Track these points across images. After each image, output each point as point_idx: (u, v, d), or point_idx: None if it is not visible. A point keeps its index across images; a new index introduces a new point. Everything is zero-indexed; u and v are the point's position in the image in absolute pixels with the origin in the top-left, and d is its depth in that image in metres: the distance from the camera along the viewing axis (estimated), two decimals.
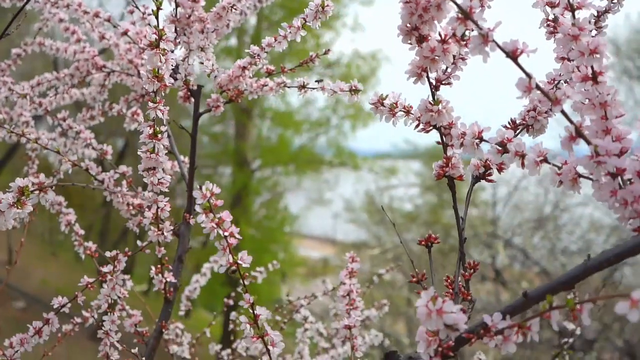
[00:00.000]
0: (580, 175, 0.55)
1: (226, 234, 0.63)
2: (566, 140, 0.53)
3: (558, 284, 0.51)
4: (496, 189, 6.84)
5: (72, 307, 0.98)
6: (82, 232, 1.11)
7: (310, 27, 0.87)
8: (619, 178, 0.52)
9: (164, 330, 1.00)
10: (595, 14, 0.75)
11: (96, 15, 1.11)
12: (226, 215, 0.63)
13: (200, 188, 0.62)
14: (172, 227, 0.92)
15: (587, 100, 0.56)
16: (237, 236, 0.64)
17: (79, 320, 1.11)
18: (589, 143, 0.52)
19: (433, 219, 9.33)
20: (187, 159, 1.11)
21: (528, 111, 0.69)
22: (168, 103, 1.15)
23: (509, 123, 0.70)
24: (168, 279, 0.98)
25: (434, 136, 0.67)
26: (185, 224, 1.01)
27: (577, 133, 0.52)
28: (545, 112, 0.68)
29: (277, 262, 1.46)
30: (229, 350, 1.36)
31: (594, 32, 0.74)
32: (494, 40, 0.50)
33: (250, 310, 0.65)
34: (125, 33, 1.05)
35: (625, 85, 9.11)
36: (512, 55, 0.51)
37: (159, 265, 0.97)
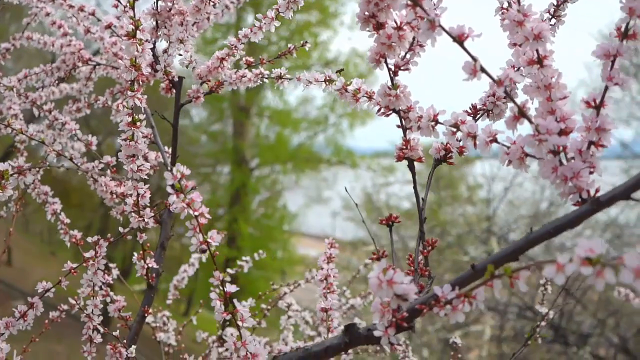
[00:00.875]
0: (527, 154, 0.58)
1: (196, 213, 0.66)
2: (510, 120, 0.56)
3: (502, 255, 0.54)
4: (492, 186, 6.87)
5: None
6: (67, 220, 1.14)
7: (284, 18, 0.90)
8: (561, 155, 0.55)
9: (146, 314, 1.03)
10: (555, 2, 0.78)
11: (81, 9, 1.14)
12: (196, 196, 0.66)
13: (171, 170, 0.65)
14: (152, 214, 0.95)
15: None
16: (207, 216, 0.66)
17: (65, 307, 1.14)
18: (531, 122, 0.55)
19: (431, 216, 9.35)
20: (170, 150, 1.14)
21: (488, 96, 0.72)
22: (155, 96, 1.18)
23: (470, 108, 0.73)
24: (150, 265, 1.01)
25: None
26: (167, 212, 1.04)
27: (521, 113, 0.55)
28: (504, 98, 0.71)
29: (264, 252, 1.49)
30: (214, 337, 1.39)
31: (553, 21, 0.77)
32: (440, 26, 0.53)
33: (221, 287, 0.68)
34: (108, 26, 1.08)
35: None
36: (459, 39, 0.54)
37: (141, 252, 1.00)
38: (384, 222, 0.71)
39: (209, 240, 0.67)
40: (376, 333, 0.58)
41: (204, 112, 12.03)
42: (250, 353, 0.67)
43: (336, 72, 0.82)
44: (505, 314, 6.17)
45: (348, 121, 12.08)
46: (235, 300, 0.69)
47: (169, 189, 0.65)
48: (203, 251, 0.67)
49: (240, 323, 0.68)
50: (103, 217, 10.70)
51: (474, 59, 0.54)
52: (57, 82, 1.23)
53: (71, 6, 1.14)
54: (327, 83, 0.85)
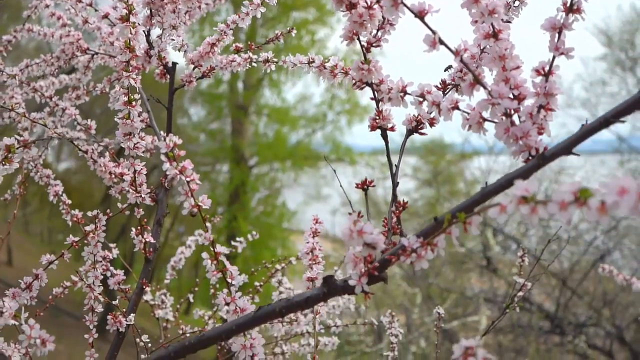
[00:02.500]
0: (484, 119, 0.64)
1: (188, 179, 0.72)
2: (467, 87, 0.62)
3: (460, 207, 0.60)
4: (488, 179, 6.92)
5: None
6: (69, 201, 1.20)
7: (269, 5, 0.96)
8: (514, 118, 0.61)
9: (144, 287, 1.09)
10: None
11: (79, 0, 1.20)
12: (187, 164, 0.72)
13: (165, 140, 0.71)
14: (149, 190, 1.01)
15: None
16: (198, 182, 0.73)
17: (68, 283, 1.21)
18: (486, 88, 0.61)
19: (430, 212, 9.42)
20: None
21: (456, 72, 0.78)
22: (151, 83, 1.24)
23: (440, 83, 0.79)
24: (147, 240, 1.07)
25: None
26: (163, 190, 1.10)
27: (476, 80, 0.61)
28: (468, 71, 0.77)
29: (257, 233, 1.55)
30: (210, 313, 1.45)
31: (517, 3, 0.83)
32: (402, 3, 0.60)
33: (212, 248, 0.74)
34: (105, 16, 1.14)
35: (618, 76, 9.20)
36: (420, 15, 0.60)
37: (138, 227, 1.06)
38: (359, 186, 0.77)
39: (200, 203, 0.73)
40: (351, 282, 0.64)
41: (202, 110, 12.09)
42: (239, 307, 0.73)
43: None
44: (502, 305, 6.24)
45: (346, 118, 12.15)
46: (225, 260, 0.75)
47: (163, 157, 0.71)
48: (194, 214, 0.73)
49: (229, 280, 0.74)
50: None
51: (434, 32, 0.60)
52: (57, 71, 1.29)
53: None
54: (309, 64, 0.91)
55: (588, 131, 0.55)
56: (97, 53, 1.29)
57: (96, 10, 1.18)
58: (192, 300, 1.49)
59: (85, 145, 1.11)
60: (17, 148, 0.75)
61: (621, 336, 5.98)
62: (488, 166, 7.41)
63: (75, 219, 1.17)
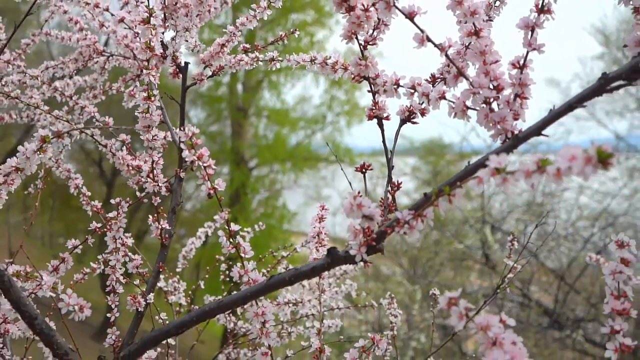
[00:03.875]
0: (467, 107, 0.73)
1: (205, 164, 0.81)
2: (451, 78, 0.71)
3: (445, 184, 0.69)
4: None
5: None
6: (88, 193, 1.28)
7: (275, 7, 1.05)
8: (491, 105, 0.70)
9: (161, 270, 1.17)
10: None
11: (96, 5, 1.28)
12: (205, 151, 0.81)
13: (184, 129, 0.80)
14: (165, 180, 1.10)
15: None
16: (214, 167, 0.81)
17: (87, 270, 1.29)
18: (468, 80, 0.70)
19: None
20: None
21: (444, 66, 0.87)
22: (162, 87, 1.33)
23: (430, 77, 0.88)
24: (164, 226, 1.16)
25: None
26: (177, 180, 1.19)
27: (459, 73, 0.70)
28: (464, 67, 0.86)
29: (263, 224, 1.64)
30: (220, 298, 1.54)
31: (497, 3, 0.92)
32: (395, 5, 0.68)
33: (226, 226, 0.83)
34: (121, 20, 1.23)
35: None
36: (410, 16, 0.69)
37: (155, 215, 1.14)
38: (358, 169, 0.86)
39: (215, 186, 0.82)
40: (351, 252, 0.73)
41: (202, 113, 12.18)
42: (252, 279, 0.82)
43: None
44: (502, 306, 6.32)
45: (345, 120, 12.24)
46: (238, 238, 0.84)
47: (183, 145, 0.80)
48: (210, 196, 0.82)
49: (243, 255, 0.83)
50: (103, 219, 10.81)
51: (422, 31, 0.69)
52: (75, 72, 1.38)
53: (87, 3, 1.29)
54: (312, 62, 1.00)
55: (555, 115, 0.64)
56: (112, 55, 1.38)
57: (112, 15, 1.27)
58: (202, 286, 1.58)
59: (104, 140, 1.20)
60: (52, 139, 0.84)
61: None
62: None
63: (95, 209, 1.25)
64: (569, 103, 0.64)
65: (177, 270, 1.61)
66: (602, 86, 0.62)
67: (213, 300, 1.63)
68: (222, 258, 1.63)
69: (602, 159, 0.45)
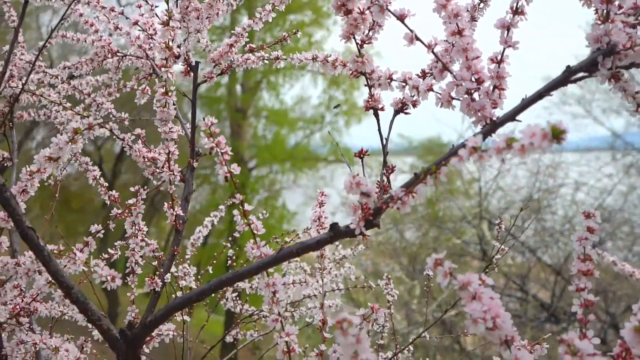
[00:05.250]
0: (452, 97, 0.83)
1: (222, 151, 0.91)
2: (437, 73, 0.81)
3: (432, 164, 0.79)
4: (481, 174, 7.12)
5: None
6: (106, 184, 1.38)
7: (278, 10, 1.16)
8: (473, 96, 0.80)
9: (176, 253, 1.27)
10: None
11: (112, 9, 1.38)
12: (222, 139, 0.91)
13: (204, 119, 0.90)
14: (180, 169, 1.20)
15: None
16: (229, 153, 0.91)
17: (106, 256, 1.39)
18: (452, 73, 0.80)
19: (429, 210, 9.58)
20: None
21: (432, 62, 0.97)
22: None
23: (420, 71, 0.97)
24: (178, 213, 1.25)
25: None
26: (190, 170, 1.29)
27: (444, 67, 0.80)
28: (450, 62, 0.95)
29: (266, 212, 1.74)
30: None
31: (481, 5, 1.02)
32: (387, 9, 0.78)
33: (241, 207, 0.93)
34: (135, 23, 1.33)
35: None
36: (401, 18, 0.79)
37: (170, 202, 1.24)
38: (357, 155, 0.96)
39: (231, 170, 0.92)
40: (352, 226, 0.83)
41: (201, 114, 12.27)
42: (263, 253, 0.92)
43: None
44: (500, 300, 6.42)
45: (344, 119, 12.35)
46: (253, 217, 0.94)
47: (202, 134, 0.90)
48: (227, 180, 0.92)
49: (255, 232, 0.93)
50: (104, 221, 10.91)
51: (411, 31, 0.79)
52: (91, 71, 1.47)
53: (103, 7, 1.39)
54: (314, 60, 1.10)
55: (527, 103, 0.74)
56: (125, 55, 1.47)
57: (127, 18, 1.37)
58: (211, 271, 1.68)
59: (122, 134, 1.30)
60: (83, 130, 0.94)
61: (615, 324, 6.17)
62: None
63: (112, 198, 1.35)
64: (539, 92, 0.74)
65: (186, 257, 1.71)
66: (567, 77, 0.72)
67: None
68: (229, 244, 1.73)
69: (556, 135, 0.55)
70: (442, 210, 8.40)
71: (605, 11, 0.72)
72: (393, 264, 7.83)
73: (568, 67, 0.72)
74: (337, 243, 1.81)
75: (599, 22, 0.72)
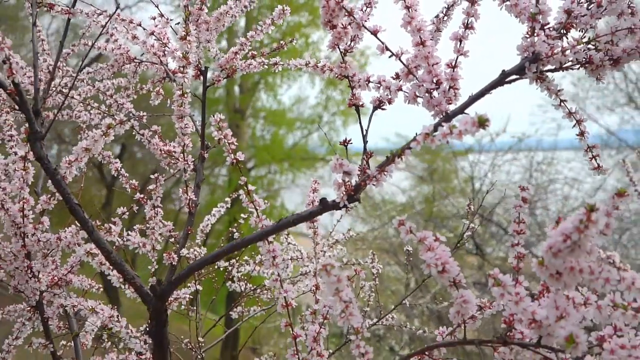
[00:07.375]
0: (417, 95, 1.03)
1: (229, 141, 1.11)
2: (404, 75, 1.01)
3: (400, 149, 0.99)
4: (474, 169, 7.33)
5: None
6: (126, 174, 1.58)
7: (277, 23, 1.36)
8: (432, 94, 1.00)
9: (189, 232, 1.47)
10: (446, 6, 1.23)
11: (130, 21, 1.58)
12: (229, 131, 1.11)
13: (214, 116, 1.10)
14: (193, 159, 1.40)
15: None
16: (235, 143, 1.11)
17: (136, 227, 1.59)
18: (415, 76, 1.00)
19: (426, 209, 9.77)
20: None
21: (402, 68, 1.17)
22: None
23: (394, 74, 1.17)
24: (191, 197, 1.45)
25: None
26: (200, 160, 1.49)
27: (409, 72, 1.01)
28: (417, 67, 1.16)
29: (268, 202, 1.93)
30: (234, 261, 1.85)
31: (445, 18, 1.22)
32: (363, 25, 0.99)
33: (246, 188, 1.13)
34: (152, 33, 1.53)
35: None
36: (374, 32, 0.99)
37: (184, 187, 1.45)
38: (342, 143, 1.16)
39: (237, 157, 1.12)
40: (337, 199, 1.03)
41: (199, 115, 12.44)
42: (264, 225, 1.12)
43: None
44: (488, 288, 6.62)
45: (341, 119, 12.55)
46: (253, 195, 1.14)
47: (212, 127, 1.10)
48: (233, 165, 1.12)
49: (258, 208, 1.13)
50: (105, 221, 11.08)
51: (382, 43, 0.99)
52: (112, 76, 1.68)
53: (123, 20, 1.58)
54: (307, 65, 1.31)
55: (471, 100, 0.94)
56: (142, 61, 1.67)
57: (144, 29, 1.57)
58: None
59: (141, 131, 1.50)
60: (115, 125, 1.14)
61: None
62: (475, 160, 7.83)
63: (133, 187, 1.55)
64: (481, 91, 0.94)
65: (196, 241, 1.91)
66: (502, 79, 0.93)
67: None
68: (235, 230, 1.94)
69: (481, 123, 0.76)
70: (437, 207, 8.62)
71: (531, 27, 0.92)
72: (389, 259, 8.04)
73: (503, 71, 0.93)
74: (330, 230, 2.01)
75: (527, 36, 0.92)
